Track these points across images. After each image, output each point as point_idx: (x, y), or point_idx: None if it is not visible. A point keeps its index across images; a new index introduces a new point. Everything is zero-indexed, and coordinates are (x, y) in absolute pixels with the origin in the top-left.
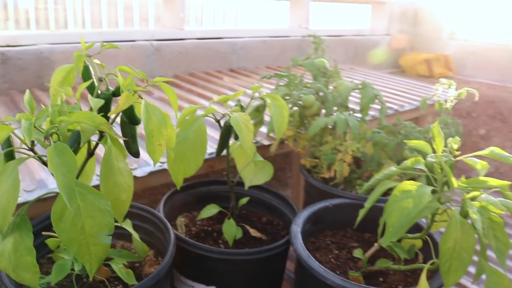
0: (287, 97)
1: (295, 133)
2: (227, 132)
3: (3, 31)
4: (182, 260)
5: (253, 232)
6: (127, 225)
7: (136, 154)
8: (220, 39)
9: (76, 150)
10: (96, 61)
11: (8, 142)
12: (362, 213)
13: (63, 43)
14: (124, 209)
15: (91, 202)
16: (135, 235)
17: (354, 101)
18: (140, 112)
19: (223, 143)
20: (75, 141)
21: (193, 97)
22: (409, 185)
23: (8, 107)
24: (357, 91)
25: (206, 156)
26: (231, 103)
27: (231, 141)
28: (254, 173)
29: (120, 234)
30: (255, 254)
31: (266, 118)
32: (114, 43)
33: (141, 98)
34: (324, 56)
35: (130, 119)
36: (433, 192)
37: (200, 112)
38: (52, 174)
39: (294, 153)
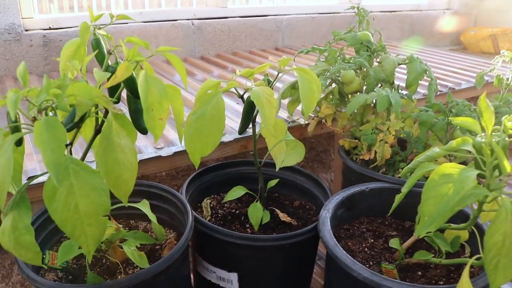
0: (327, 74)
1: (334, 112)
2: (250, 107)
3: (46, 14)
4: (203, 245)
5: (283, 217)
6: (144, 206)
7: (143, 131)
8: (265, 17)
9: (73, 127)
10: (102, 32)
11: (14, 118)
12: (398, 198)
13: (103, 24)
14: (128, 189)
15: (84, 180)
16: (152, 217)
17: (402, 78)
18: (140, 83)
19: (246, 119)
20: (74, 117)
21: (236, 78)
22: (450, 167)
23: None
24: (405, 66)
25: (238, 136)
26: (260, 77)
27: (259, 118)
28: (285, 153)
29: (142, 216)
30: (277, 240)
31: None
32: (154, 23)
33: (142, 69)
34: (369, 29)
35: (132, 92)
36: (481, 176)
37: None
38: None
39: (338, 134)
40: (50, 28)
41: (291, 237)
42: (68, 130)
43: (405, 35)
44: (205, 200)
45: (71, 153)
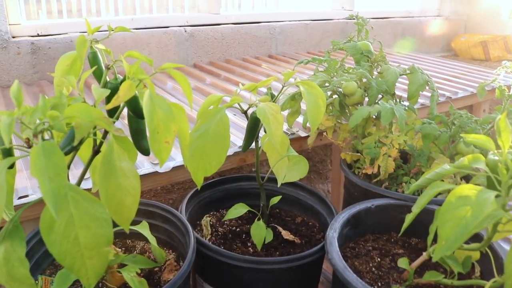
0: (326, 84)
1: (334, 124)
2: (254, 124)
3: (34, 21)
4: (205, 266)
5: (286, 235)
6: (143, 229)
7: (145, 152)
8: (258, 24)
9: (71, 150)
10: (101, 46)
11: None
12: (408, 219)
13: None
14: (130, 215)
15: (85, 210)
16: (152, 240)
17: (401, 88)
18: (145, 104)
19: (250, 136)
20: (72, 139)
21: (230, 86)
22: (467, 189)
23: (37, 99)
24: (405, 77)
25: (238, 150)
26: (263, 89)
27: (262, 133)
28: (288, 169)
29: (140, 235)
30: (284, 262)
31: (304, 106)
32: (146, 29)
33: (147, 88)
34: (368, 39)
35: (135, 112)
36: (496, 196)
37: (226, 101)
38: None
39: (335, 144)
40: (38, 35)
41: (299, 259)
42: (66, 154)
43: (397, 42)
44: (204, 218)
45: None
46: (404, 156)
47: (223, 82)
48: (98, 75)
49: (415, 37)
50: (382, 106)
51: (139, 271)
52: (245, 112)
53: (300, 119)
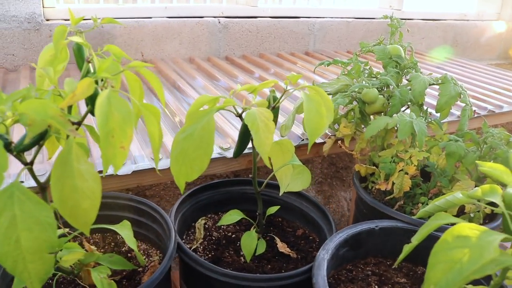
0: (347, 90)
1: (353, 132)
2: (247, 128)
3: (69, 4)
4: (189, 275)
5: (281, 247)
6: (122, 229)
7: None
8: (296, 19)
9: (27, 148)
10: (76, 38)
11: None
12: (406, 250)
13: (125, 18)
14: (89, 219)
15: (29, 212)
16: (129, 241)
17: (436, 97)
18: (100, 104)
19: (243, 142)
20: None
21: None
22: (468, 228)
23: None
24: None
25: (246, 151)
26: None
27: None
28: (292, 177)
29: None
30: (265, 281)
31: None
32: (178, 18)
33: (112, 87)
34: (401, 42)
35: (93, 113)
36: (507, 239)
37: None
38: None
39: (355, 158)
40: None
41: (281, 279)
42: (20, 151)
43: (447, 46)
44: (199, 220)
45: (33, 175)
46: (427, 175)
47: (256, 81)
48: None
49: (468, 42)
50: (401, 119)
51: (110, 273)
52: (239, 116)
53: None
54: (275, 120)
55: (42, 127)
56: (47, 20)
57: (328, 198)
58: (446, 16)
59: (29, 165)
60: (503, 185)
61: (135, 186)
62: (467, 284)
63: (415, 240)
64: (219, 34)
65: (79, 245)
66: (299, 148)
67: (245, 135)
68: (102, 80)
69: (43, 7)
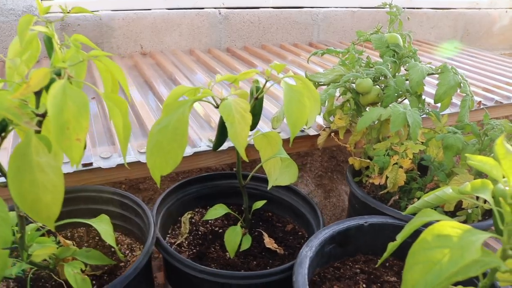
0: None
1: (348, 124)
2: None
3: None
4: (169, 271)
5: (268, 243)
6: (99, 223)
7: None
8: (299, 9)
9: None
10: (40, 28)
11: None
12: (390, 248)
13: (124, 10)
14: (51, 213)
15: None
16: (106, 236)
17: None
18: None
19: (222, 134)
20: None
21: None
22: (449, 227)
23: None
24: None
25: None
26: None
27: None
28: (280, 171)
29: (117, 226)
30: (244, 278)
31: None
32: (178, 10)
33: (70, 77)
34: (401, 30)
35: None
36: (496, 237)
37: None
38: None
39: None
40: (69, 12)
41: (261, 277)
42: None
43: (458, 36)
44: (185, 215)
45: None
46: (424, 168)
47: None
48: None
49: (480, 31)
50: (393, 110)
51: (84, 268)
52: (218, 107)
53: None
54: (259, 111)
55: None
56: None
57: (329, 192)
58: (457, 4)
59: None
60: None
61: (126, 180)
62: (454, 285)
63: (399, 238)
64: (219, 25)
65: (51, 240)
66: (293, 141)
67: (223, 127)
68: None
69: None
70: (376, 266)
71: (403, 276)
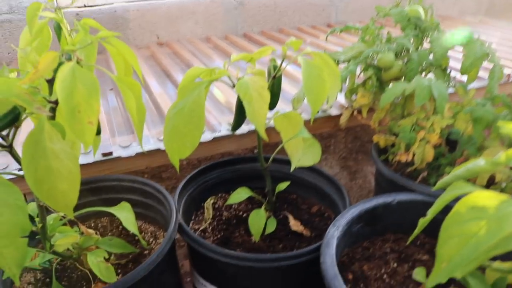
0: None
1: (371, 102)
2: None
3: None
4: (193, 256)
5: (294, 225)
6: (118, 210)
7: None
8: None
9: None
10: (49, 13)
11: None
12: (420, 224)
13: (137, 1)
14: (69, 201)
15: None
16: (128, 224)
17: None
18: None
19: (240, 114)
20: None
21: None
22: (485, 197)
23: None
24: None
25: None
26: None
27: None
28: (302, 151)
29: (139, 214)
30: (268, 261)
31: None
32: None
33: (78, 62)
34: (421, 3)
35: None
36: None
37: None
38: None
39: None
40: (85, 6)
41: (287, 259)
42: None
43: (483, 9)
44: (208, 200)
45: (14, 157)
46: (454, 144)
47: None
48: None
49: (508, 2)
50: (417, 83)
51: (107, 256)
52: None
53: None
54: (278, 90)
55: (7, 106)
56: (59, 9)
57: (354, 174)
58: None
59: (7, 148)
60: None
61: (148, 169)
62: (491, 260)
63: (430, 213)
64: (234, 11)
65: (73, 230)
66: (315, 122)
67: (241, 107)
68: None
69: None
70: (407, 244)
71: (436, 251)
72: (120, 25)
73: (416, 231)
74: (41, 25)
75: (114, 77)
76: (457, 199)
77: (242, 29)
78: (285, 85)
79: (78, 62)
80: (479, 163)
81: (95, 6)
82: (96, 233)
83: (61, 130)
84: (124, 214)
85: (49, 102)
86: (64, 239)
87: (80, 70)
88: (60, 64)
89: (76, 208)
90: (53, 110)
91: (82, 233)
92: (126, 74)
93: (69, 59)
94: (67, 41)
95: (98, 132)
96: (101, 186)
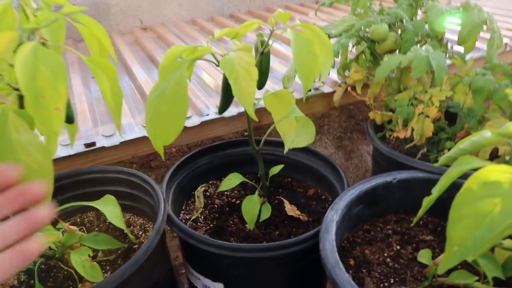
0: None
1: (365, 77)
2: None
3: None
4: (184, 248)
5: (290, 211)
6: (104, 205)
7: (68, 119)
8: None
9: None
10: None
11: None
12: (426, 203)
13: None
14: None
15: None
16: (114, 219)
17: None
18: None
19: (227, 95)
20: None
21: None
22: (498, 172)
23: None
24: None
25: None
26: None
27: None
28: (296, 131)
29: (127, 206)
30: (263, 251)
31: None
32: None
33: (43, 43)
34: None
35: None
36: None
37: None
38: None
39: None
40: None
41: (283, 247)
42: None
43: None
44: (198, 188)
45: None
46: (453, 117)
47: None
48: None
49: None
50: (415, 54)
51: (91, 254)
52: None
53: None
54: (266, 68)
55: None
56: None
57: (350, 153)
58: None
59: None
60: None
61: (136, 158)
62: (503, 239)
63: (436, 191)
64: None
65: (52, 227)
66: (307, 101)
67: (228, 86)
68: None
69: None
70: (411, 225)
71: (447, 233)
72: (102, 10)
73: (421, 212)
74: (4, 6)
75: (86, 58)
76: (464, 175)
77: (229, 10)
78: (275, 64)
79: (43, 43)
80: (485, 135)
81: None
82: (82, 229)
83: (28, 120)
84: (109, 208)
85: (15, 89)
86: (44, 238)
87: (43, 51)
88: (20, 45)
89: (57, 204)
90: (20, 98)
91: (64, 231)
92: (101, 55)
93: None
94: (25, 16)
95: (71, 121)
96: (85, 179)
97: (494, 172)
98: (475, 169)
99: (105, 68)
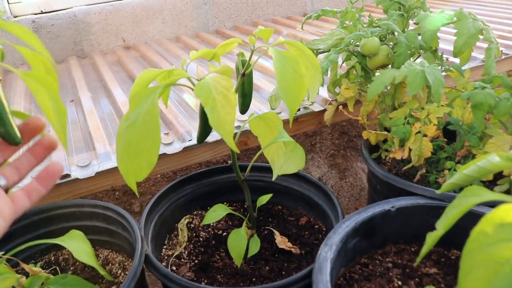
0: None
1: (356, 94)
2: None
3: None
4: None
5: (281, 243)
6: (68, 241)
7: (11, 139)
8: None
9: None
10: None
11: None
12: (430, 241)
13: (99, 3)
14: None
15: None
16: (82, 256)
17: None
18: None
19: (204, 123)
20: None
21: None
22: None
23: None
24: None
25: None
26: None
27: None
28: (284, 156)
29: (103, 242)
30: None
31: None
32: None
33: None
34: None
35: None
36: None
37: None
38: None
39: (362, 124)
40: (42, 12)
41: None
42: None
43: None
44: (182, 220)
45: None
46: (451, 134)
47: (248, 51)
48: None
49: None
50: (409, 69)
51: None
52: None
53: (323, 89)
54: (249, 89)
55: None
56: (15, 16)
57: (344, 172)
58: None
59: None
60: None
61: (117, 187)
62: None
63: (442, 227)
64: (204, 6)
65: (11, 270)
66: (297, 121)
67: (205, 113)
68: None
69: (8, 3)
70: (415, 264)
71: (458, 284)
72: (82, 30)
73: (425, 250)
74: None
75: (22, 74)
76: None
77: (214, 25)
78: (261, 82)
79: None
80: (493, 159)
81: (52, 11)
82: (55, 269)
83: None
84: (76, 243)
85: None
86: (1, 283)
87: None
88: None
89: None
90: None
91: (27, 274)
92: (48, 72)
93: None
94: None
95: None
96: (58, 214)
97: (511, 211)
98: (485, 202)
99: (43, 80)
